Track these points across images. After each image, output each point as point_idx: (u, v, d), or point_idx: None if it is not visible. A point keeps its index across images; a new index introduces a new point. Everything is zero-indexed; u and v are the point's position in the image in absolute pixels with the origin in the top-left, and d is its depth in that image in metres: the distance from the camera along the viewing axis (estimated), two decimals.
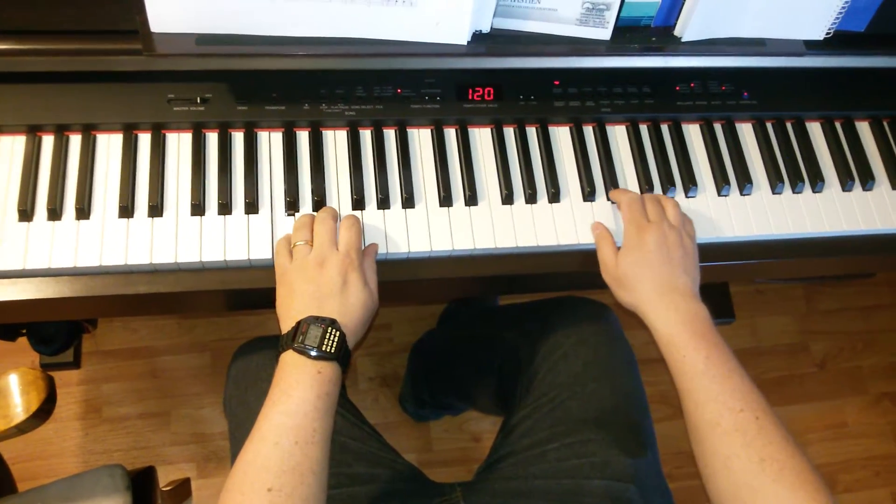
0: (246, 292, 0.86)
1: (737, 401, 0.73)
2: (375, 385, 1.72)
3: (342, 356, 0.75)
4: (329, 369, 0.74)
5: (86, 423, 1.61)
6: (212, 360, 1.69)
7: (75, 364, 1.60)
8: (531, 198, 0.92)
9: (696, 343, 0.77)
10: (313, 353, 0.74)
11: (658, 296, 0.81)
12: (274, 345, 0.99)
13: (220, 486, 1.59)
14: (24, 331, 1.44)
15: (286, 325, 0.77)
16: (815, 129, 1.03)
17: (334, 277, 0.78)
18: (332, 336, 0.75)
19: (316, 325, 0.75)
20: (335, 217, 0.84)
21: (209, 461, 1.61)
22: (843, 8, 0.91)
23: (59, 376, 1.55)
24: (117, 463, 1.04)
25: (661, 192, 0.95)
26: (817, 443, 1.82)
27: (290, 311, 0.78)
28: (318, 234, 0.82)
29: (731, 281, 1.86)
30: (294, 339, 0.74)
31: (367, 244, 0.86)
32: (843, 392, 1.88)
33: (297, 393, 0.72)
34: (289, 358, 0.74)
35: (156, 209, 0.85)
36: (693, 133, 1.00)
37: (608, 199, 0.94)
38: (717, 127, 1.00)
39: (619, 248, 0.87)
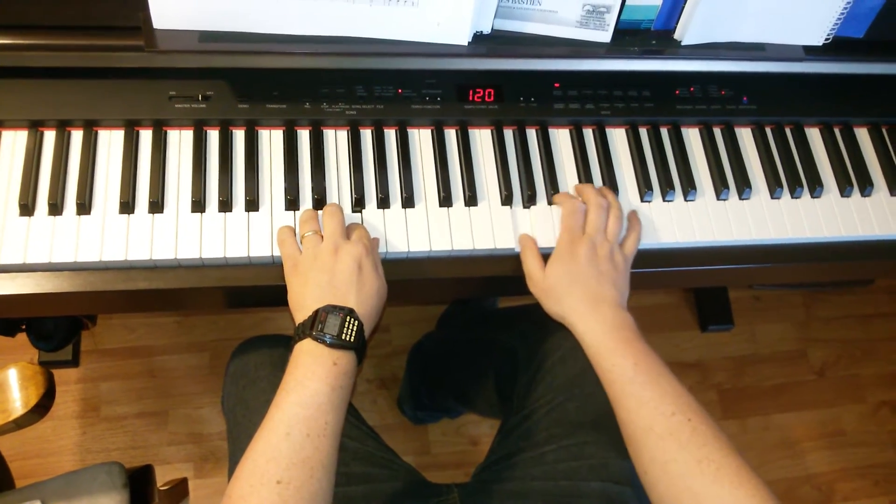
0: (246, 290, 0.86)
1: (668, 405, 0.73)
2: (374, 387, 1.72)
3: (360, 346, 0.75)
4: (345, 361, 0.74)
5: (84, 421, 1.61)
6: (210, 359, 1.69)
7: (74, 362, 1.60)
8: (530, 199, 0.92)
9: (623, 350, 0.77)
10: (333, 343, 0.73)
11: (585, 306, 0.81)
12: (272, 343, 1.00)
13: (218, 487, 1.59)
14: (24, 326, 1.44)
15: (301, 315, 0.77)
16: (814, 135, 1.03)
17: (350, 265, 0.78)
18: (352, 325, 0.75)
19: (334, 314, 0.75)
20: (342, 210, 0.84)
21: (207, 461, 1.61)
22: (842, 14, 0.91)
23: (58, 374, 1.54)
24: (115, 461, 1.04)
25: (659, 196, 0.95)
26: (815, 451, 1.82)
27: (305, 301, 0.77)
28: (328, 224, 0.82)
29: (729, 286, 1.87)
30: (312, 327, 0.74)
31: None
32: (842, 400, 1.88)
33: (312, 384, 0.72)
34: (306, 347, 0.74)
35: (156, 205, 0.85)
36: (692, 137, 1.00)
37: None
38: (717, 131, 1.01)
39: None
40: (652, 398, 0.74)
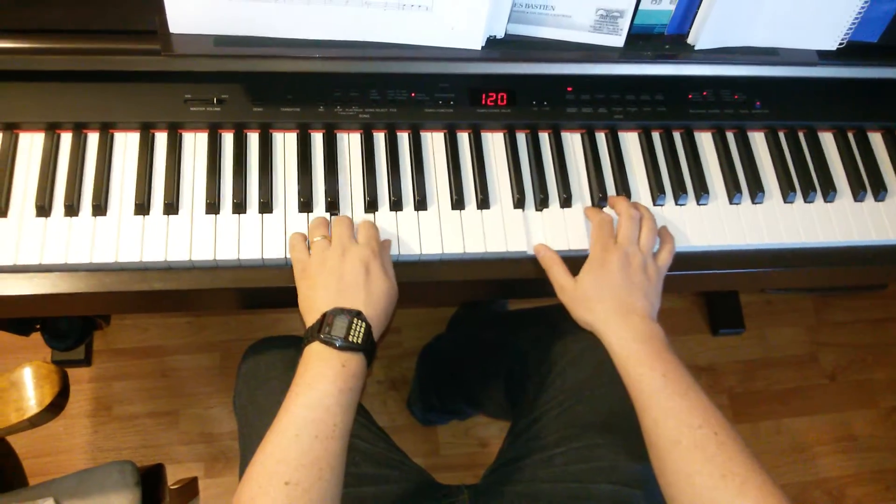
0: (259, 291, 0.86)
1: (695, 418, 0.73)
2: (384, 388, 1.72)
3: (368, 347, 0.76)
4: (354, 362, 0.75)
5: (96, 420, 1.62)
6: (221, 360, 1.70)
7: (86, 362, 1.61)
8: (543, 203, 0.92)
9: (652, 361, 0.77)
10: (340, 344, 0.74)
11: (616, 316, 0.81)
12: (283, 344, 1.01)
13: (228, 486, 1.59)
14: (39, 326, 1.45)
15: (311, 319, 0.77)
16: (827, 140, 1.03)
17: (357, 267, 0.79)
18: (359, 327, 0.75)
19: (342, 316, 0.75)
20: (351, 220, 0.85)
21: (217, 461, 1.61)
22: (857, 18, 0.91)
23: (71, 374, 1.55)
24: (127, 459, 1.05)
25: (672, 200, 0.95)
26: (826, 455, 1.81)
27: (313, 304, 0.78)
28: (336, 229, 0.83)
29: (740, 290, 1.86)
30: (320, 330, 0.75)
31: None
32: (853, 404, 1.87)
33: (321, 386, 0.72)
34: (314, 349, 0.75)
35: (171, 207, 0.86)
36: (705, 141, 1.00)
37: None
38: (730, 136, 1.00)
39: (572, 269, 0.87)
40: (679, 410, 0.74)
